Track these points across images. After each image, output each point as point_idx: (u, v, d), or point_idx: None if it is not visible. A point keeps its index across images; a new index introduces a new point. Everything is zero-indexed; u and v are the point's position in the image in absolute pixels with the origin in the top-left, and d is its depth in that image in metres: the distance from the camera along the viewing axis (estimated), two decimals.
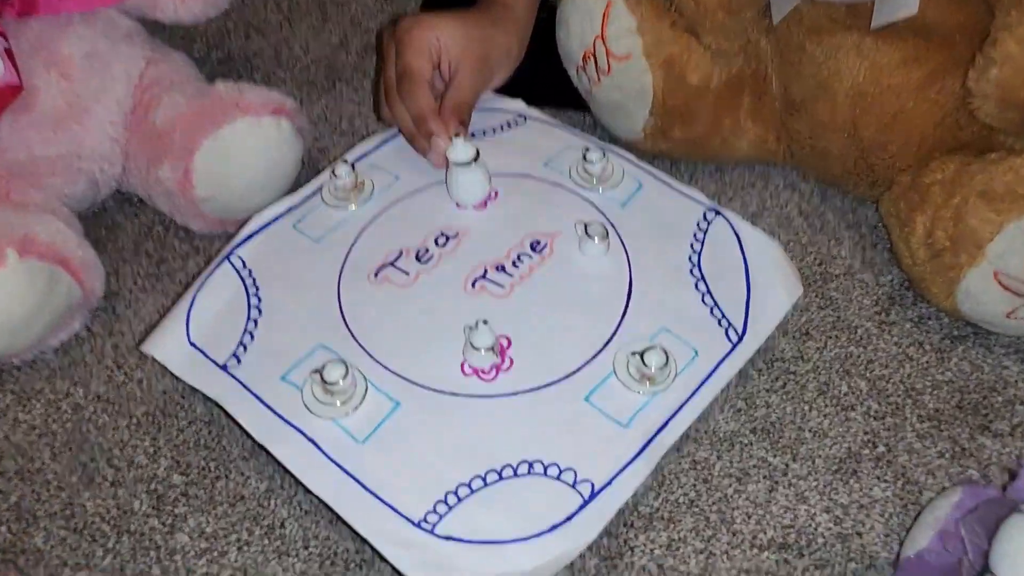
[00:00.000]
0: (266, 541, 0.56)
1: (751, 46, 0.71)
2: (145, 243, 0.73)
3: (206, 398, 0.58)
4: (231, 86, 0.69)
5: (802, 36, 0.68)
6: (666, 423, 0.54)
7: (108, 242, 0.73)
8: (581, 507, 0.51)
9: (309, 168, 0.75)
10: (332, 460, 0.52)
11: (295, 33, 0.91)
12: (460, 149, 0.61)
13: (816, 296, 0.67)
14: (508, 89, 0.72)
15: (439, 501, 0.50)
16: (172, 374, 0.59)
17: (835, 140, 0.69)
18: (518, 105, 0.71)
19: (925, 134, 0.66)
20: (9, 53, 0.63)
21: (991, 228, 0.59)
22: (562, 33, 0.73)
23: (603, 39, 0.70)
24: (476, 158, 0.61)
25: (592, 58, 0.71)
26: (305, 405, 0.53)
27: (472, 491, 0.51)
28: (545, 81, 0.77)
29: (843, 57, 0.66)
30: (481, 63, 0.67)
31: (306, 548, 0.55)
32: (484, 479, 0.51)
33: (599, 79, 0.72)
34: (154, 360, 0.60)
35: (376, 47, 0.88)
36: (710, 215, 0.63)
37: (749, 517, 0.56)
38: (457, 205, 0.63)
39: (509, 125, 0.69)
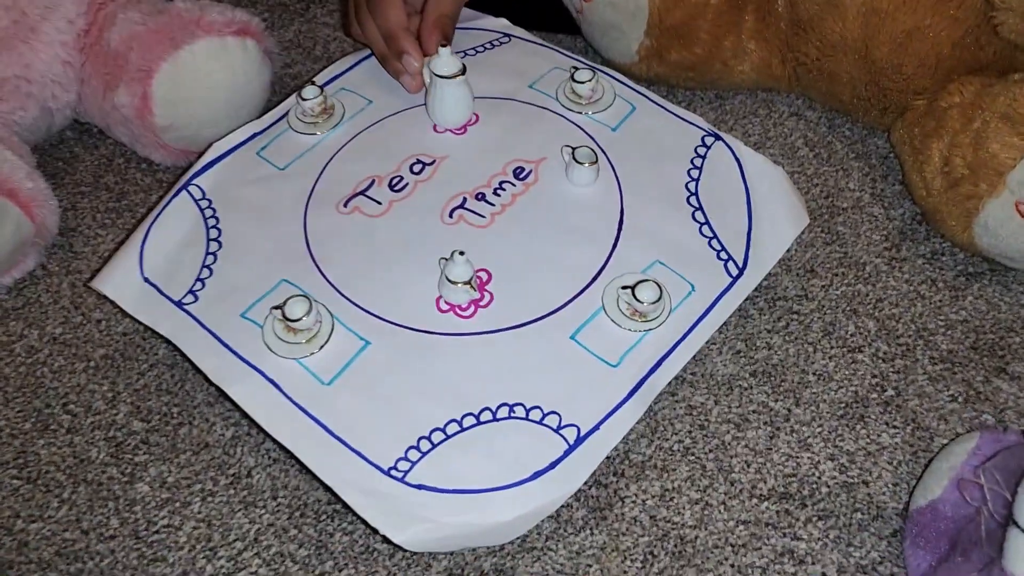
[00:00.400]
0: (232, 491, 0.53)
1: None
2: (105, 176, 0.69)
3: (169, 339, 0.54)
4: (191, 3, 0.64)
5: None
6: (659, 363, 0.50)
7: (66, 175, 0.69)
8: (566, 453, 0.47)
9: (280, 96, 0.71)
10: (294, 403, 0.48)
11: None
12: (445, 61, 0.55)
13: (822, 231, 0.64)
14: (492, 10, 0.67)
15: (411, 447, 0.46)
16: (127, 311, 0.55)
17: (845, 62, 0.65)
18: (502, 23, 0.66)
19: (942, 54, 0.62)
20: None
21: (1014, 154, 0.55)
22: None
23: None
24: (462, 73, 0.55)
25: None
26: (266, 343, 0.49)
27: (447, 436, 0.47)
28: (535, 2, 0.72)
29: None
30: None
31: (274, 499, 0.52)
32: (460, 423, 0.47)
33: None
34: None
35: None
36: (709, 140, 0.58)
37: (748, 465, 0.53)
38: (435, 129, 0.58)
39: (492, 45, 0.64)
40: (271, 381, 0.48)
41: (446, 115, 0.57)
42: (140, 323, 0.57)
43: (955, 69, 0.62)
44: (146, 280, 0.53)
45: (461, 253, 0.49)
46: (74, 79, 0.66)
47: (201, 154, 0.59)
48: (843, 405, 0.55)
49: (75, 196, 0.68)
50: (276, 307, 0.49)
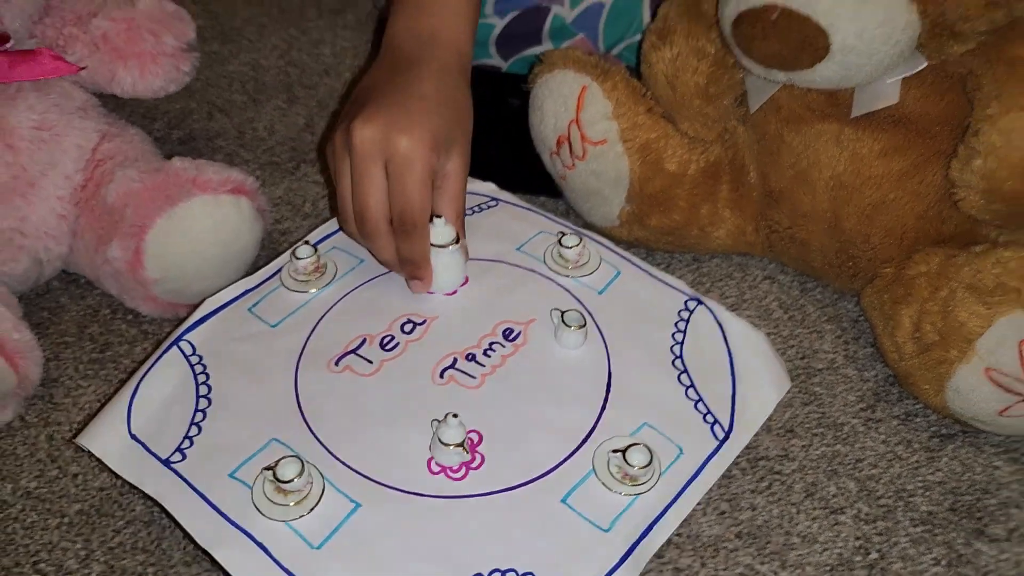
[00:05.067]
0: None
1: (729, 134, 0.70)
2: (90, 326, 0.69)
3: (147, 495, 0.53)
4: (188, 162, 0.66)
5: (780, 125, 0.67)
6: (650, 527, 0.50)
7: (50, 325, 0.69)
8: None
9: (270, 252, 0.72)
10: (283, 568, 0.47)
11: (260, 114, 0.89)
12: (441, 231, 0.57)
13: (799, 391, 0.65)
14: (479, 173, 0.70)
15: None
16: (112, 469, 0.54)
17: (815, 231, 0.68)
18: (490, 187, 0.69)
19: (908, 226, 0.65)
20: None
21: (982, 322, 0.57)
22: (535, 118, 0.71)
23: (578, 124, 0.68)
24: (456, 242, 0.57)
25: (567, 143, 0.69)
26: (255, 505, 0.48)
27: None
28: (518, 167, 0.75)
29: (822, 147, 0.66)
30: (468, 158, 0.61)
31: None
32: None
33: (574, 164, 0.70)
34: (92, 453, 0.55)
35: (320, 149, 0.84)
36: (692, 304, 0.60)
37: None
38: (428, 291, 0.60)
39: (480, 208, 0.66)
40: (259, 544, 0.47)
41: (439, 282, 0.59)
42: (119, 478, 0.56)
43: (920, 240, 0.65)
44: (133, 437, 0.52)
45: (455, 416, 0.49)
46: (67, 232, 0.67)
47: (193, 309, 0.59)
48: (828, 568, 0.55)
49: (58, 346, 0.67)
50: (268, 468, 0.49)
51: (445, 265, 0.58)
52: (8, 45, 0.64)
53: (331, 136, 0.58)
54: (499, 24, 0.83)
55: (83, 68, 0.67)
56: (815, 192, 0.66)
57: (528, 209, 0.67)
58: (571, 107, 0.68)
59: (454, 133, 0.58)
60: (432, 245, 0.57)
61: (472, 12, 0.64)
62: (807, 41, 0.56)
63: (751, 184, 0.70)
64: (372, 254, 0.60)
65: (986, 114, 0.59)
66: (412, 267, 0.58)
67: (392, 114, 0.55)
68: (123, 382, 0.63)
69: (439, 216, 0.57)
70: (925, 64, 0.61)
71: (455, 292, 0.59)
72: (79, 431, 0.57)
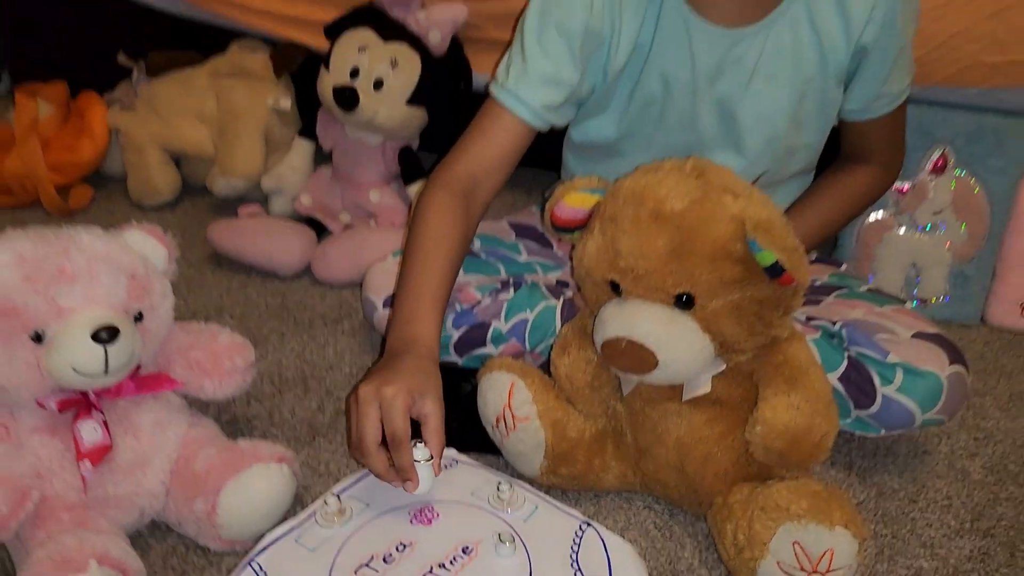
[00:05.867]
0: None
1: (611, 409, 1.03)
2: (171, 559, 0.97)
3: None
4: (249, 443, 0.98)
5: (643, 404, 1.00)
6: None
7: (141, 559, 0.96)
8: None
9: (295, 499, 1.02)
10: None
11: (283, 400, 1.21)
12: (421, 451, 0.90)
13: None
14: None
15: None
16: None
17: (670, 475, 1.00)
18: (452, 453, 1.01)
19: (727, 469, 0.97)
20: (106, 424, 0.91)
21: (770, 531, 0.88)
22: (481, 403, 1.04)
23: (510, 407, 1.01)
24: (430, 459, 0.90)
25: (503, 420, 1.02)
26: None
27: None
28: (471, 433, 1.08)
29: (669, 418, 0.98)
30: (440, 405, 0.93)
31: None
32: None
33: (508, 434, 1.03)
34: None
35: (347, 408, 1.17)
36: (584, 527, 0.92)
37: None
38: (411, 523, 0.90)
39: (446, 466, 0.98)
40: None
41: (420, 486, 0.90)
42: None
43: (736, 478, 0.97)
44: None
45: None
46: (164, 492, 0.97)
47: (256, 541, 0.89)
48: None
49: (149, 575, 0.95)
50: None
51: (421, 474, 0.90)
52: (139, 371, 0.97)
53: (348, 400, 0.93)
54: (455, 334, 1.19)
55: (183, 384, 1.00)
56: (667, 449, 0.99)
57: (477, 466, 0.99)
58: (504, 396, 1.01)
59: (425, 387, 0.92)
60: (415, 462, 0.89)
61: (437, 326, 1.01)
62: (643, 359, 0.91)
63: (628, 443, 1.03)
64: (371, 471, 0.91)
65: (763, 395, 0.93)
66: (402, 472, 0.90)
67: (382, 378, 0.91)
68: None
69: (422, 442, 0.89)
70: (724, 366, 0.96)
71: (430, 523, 0.90)
72: None
